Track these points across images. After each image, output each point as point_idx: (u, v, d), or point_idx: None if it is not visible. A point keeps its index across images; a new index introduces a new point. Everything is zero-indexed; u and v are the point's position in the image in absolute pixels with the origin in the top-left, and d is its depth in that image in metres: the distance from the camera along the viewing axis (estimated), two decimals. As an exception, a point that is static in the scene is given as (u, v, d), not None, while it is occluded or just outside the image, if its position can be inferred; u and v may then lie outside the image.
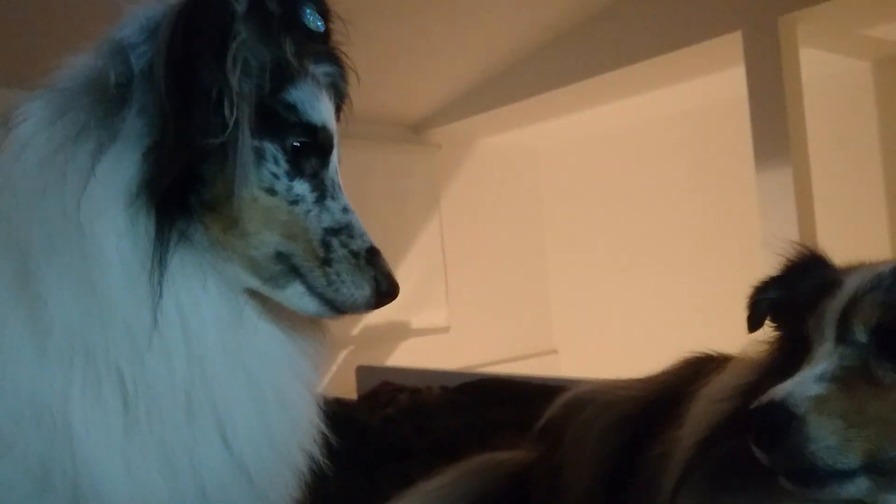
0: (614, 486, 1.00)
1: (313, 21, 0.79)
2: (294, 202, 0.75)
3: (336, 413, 2.17)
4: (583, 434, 1.10)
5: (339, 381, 3.25)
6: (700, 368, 1.02)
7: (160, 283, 0.68)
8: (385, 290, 0.76)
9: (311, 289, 0.75)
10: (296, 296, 0.75)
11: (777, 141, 2.75)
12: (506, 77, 3.49)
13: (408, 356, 3.63)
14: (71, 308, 0.68)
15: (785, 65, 2.70)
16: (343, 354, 3.45)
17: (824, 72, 3.18)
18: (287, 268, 0.75)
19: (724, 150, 3.63)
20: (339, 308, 0.76)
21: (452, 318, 3.98)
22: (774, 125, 2.76)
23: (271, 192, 0.74)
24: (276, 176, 0.74)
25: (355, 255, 0.76)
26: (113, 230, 0.68)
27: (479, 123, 3.83)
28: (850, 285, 0.75)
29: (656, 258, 4.02)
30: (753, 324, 0.88)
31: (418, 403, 2.28)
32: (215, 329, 0.72)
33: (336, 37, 0.84)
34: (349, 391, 2.94)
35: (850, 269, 0.79)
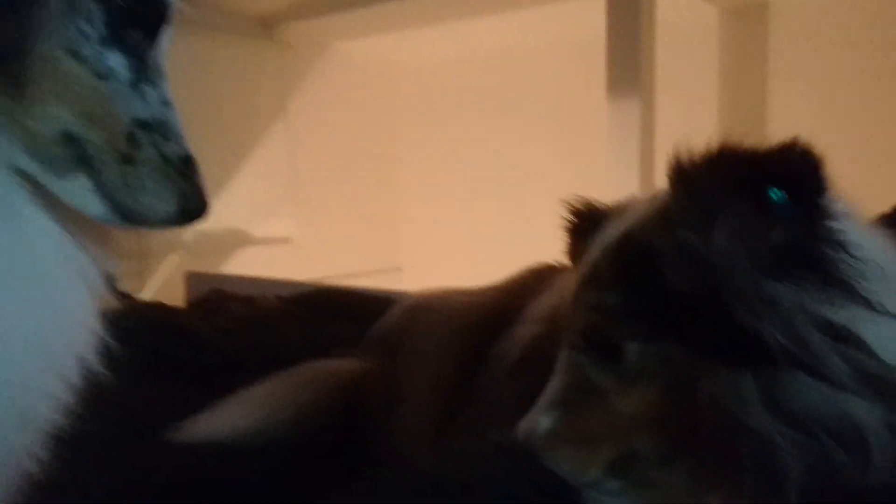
0: (454, 396, 0.96)
1: None
2: (102, 76, 0.61)
3: (160, 320, 2.00)
4: (422, 342, 1.05)
5: (166, 288, 3.03)
6: (544, 276, 1.00)
7: None
8: (192, 209, 0.65)
9: (101, 187, 0.62)
10: (79, 191, 0.62)
11: (628, 75, 2.83)
12: (367, -23, 3.29)
13: (245, 266, 3.45)
14: None
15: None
16: (172, 260, 3.21)
17: (674, 13, 3.28)
18: (75, 155, 0.61)
19: (579, 81, 3.70)
20: (130, 218, 0.63)
21: (296, 229, 3.83)
22: (627, 59, 2.84)
23: (75, 55, 0.59)
24: (85, 36, 0.60)
25: (167, 160, 0.64)
26: None
27: (335, 24, 3.60)
28: (583, 266, 0.74)
29: (506, 182, 4.08)
30: None
31: (253, 314, 2.15)
32: None
33: None
34: (177, 300, 2.74)
35: (609, 221, 0.78)
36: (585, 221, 0.82)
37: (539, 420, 0.69)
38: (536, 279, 1.01)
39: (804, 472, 0.59)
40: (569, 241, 0.86)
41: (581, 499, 0.65)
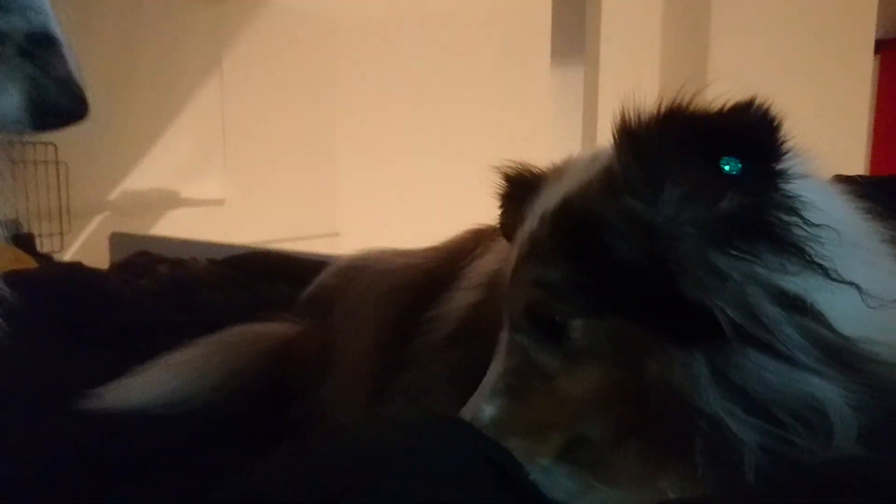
0: (387, 360, 0.92)
1: None
2: None
3: (77, 281, 1.88)
4: (357, 303, 1.00)
5: (90, 250, 2.88)
6: (484, 238, 0.96)
7: None
8: (52, 104, 0.49)
9: None
10: None
11: (573, 40, 2.80)
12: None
13: (176, 229, 3.30)
14: None
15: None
16: (96, 220, 3.05)
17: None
18: None
19: (523, 42, 3.65)
20: None
21: (229, 191, 3.69)
22: (573, 23, 2.80)
23: None
24: None
25: (3, 37, 0.48)
26: None
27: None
28: (519, 238, 0.70)
29: (449, 145, 4.02)
30: None
31: (181, 276, 2.05)
32: None
33: None
34: (101, 263, 2.60)
35: (546, 186, 0.73)
36: (519, 187, 0.77)
37: (481, 408, 0.65)
38: (476, 241, 0.97)
39: (760, 454, 0.56)
40: (502, 209, 0.81)
41: (523, 470, 0.62)
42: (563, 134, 2.76)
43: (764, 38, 3.14)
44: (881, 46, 2.71)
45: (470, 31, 3.94)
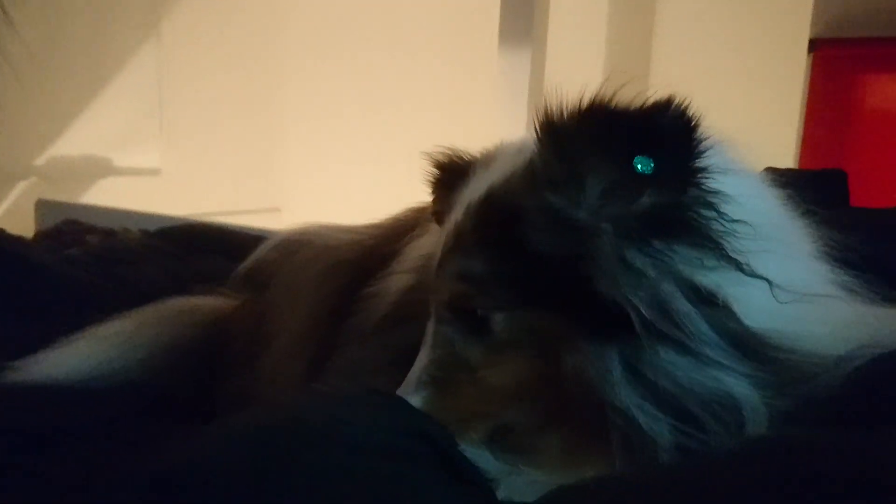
0: (324, 337, 0.91)
1: None
2: None
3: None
4: (296, 278, 0.99)
5: (13, 218, 2.75)
6: (425, 216, 0.96)
7: None
8: None
9: None
10: None
11: (522, 23, 2.81)
12: None
13: (107, 199, 3.18)
14: None
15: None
16: (20, 186, 2.91)
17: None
18: None
19: (473, 22, 3.64)
20: None
21: (166, 161, 3.56)
22: (521, 7, 2.82)
23: None
24: None
25: None
26: None
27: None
28: (447, 228, 0.71)
29: (395, 123, 3.98)
30: None
31: (112, 246, 1.98)
32: None
33: None
34: (25, 231, 2.49)
35: (475, 174, 0.73)
36: (450, 174, 0.78)
37: (408, 398, 0.66)
38: (417, 219, 0.97)
39: (672, 448, 0.57)
40: (434, 196, 0.82)
41: (456, 445, 0.62)
42: (509, 116, 2.78)
43: (704, 34, 3.21)
44: (814, 46, 2.81)
45: (420, 10, 3.90)
